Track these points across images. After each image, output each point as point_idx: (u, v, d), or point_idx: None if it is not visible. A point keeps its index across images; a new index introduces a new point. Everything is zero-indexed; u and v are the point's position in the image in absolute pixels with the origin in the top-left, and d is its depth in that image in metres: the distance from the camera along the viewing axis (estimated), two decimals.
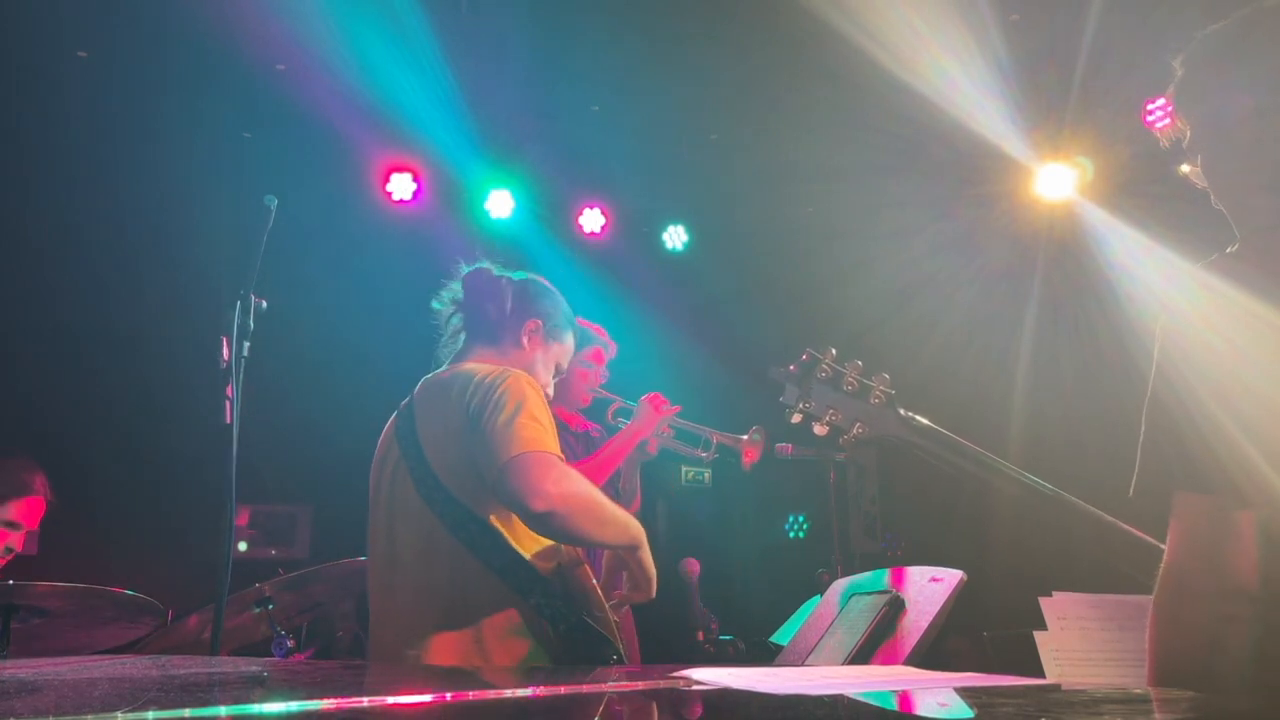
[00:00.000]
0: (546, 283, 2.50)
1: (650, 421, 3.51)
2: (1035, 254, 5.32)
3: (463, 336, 2.37)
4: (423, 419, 2.16)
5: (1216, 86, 1.48)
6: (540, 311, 2.39)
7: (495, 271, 2.42)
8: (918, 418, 1.66)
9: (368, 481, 2.27)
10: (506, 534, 2.02)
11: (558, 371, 2.43)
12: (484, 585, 2.01)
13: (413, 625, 2.04)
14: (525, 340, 2.35)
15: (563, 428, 3.58)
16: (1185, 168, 1.54)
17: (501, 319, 2.34)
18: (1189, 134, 1.52)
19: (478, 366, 2.18)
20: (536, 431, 1.97)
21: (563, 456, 1.99)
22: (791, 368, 1.64)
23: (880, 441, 1.64)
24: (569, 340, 2.45)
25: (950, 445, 1.64)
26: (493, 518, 2.03)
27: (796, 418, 1.65)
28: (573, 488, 1.93)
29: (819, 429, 1.64)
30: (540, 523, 1.92)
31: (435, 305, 2.43)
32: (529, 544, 2.04)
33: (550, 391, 2.38)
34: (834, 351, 1.64)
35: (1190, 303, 1.36)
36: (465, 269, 2.42)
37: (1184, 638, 1.32)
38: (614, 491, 3.57)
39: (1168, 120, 1.57)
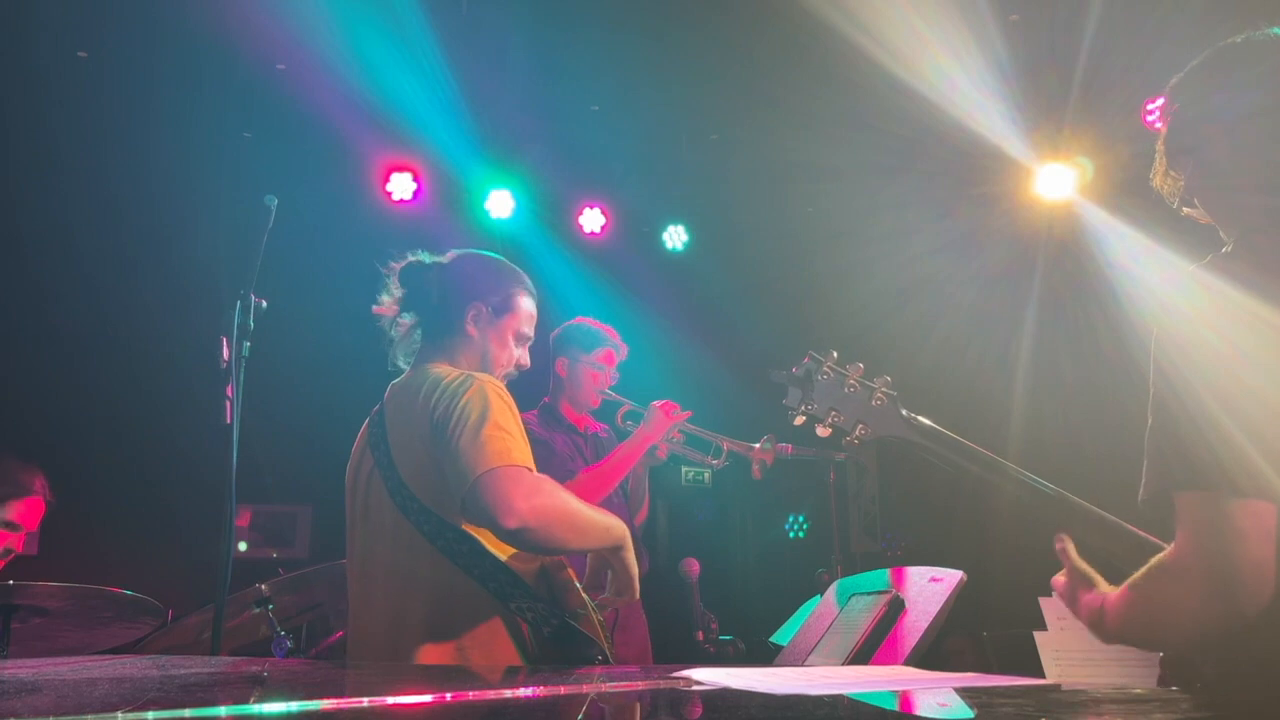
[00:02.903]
0: (482, 254, 2.38)
1: (660, 428, 3.49)
2: (1035, 254, 5.31)
3: (417, 334, 2.28)
4: (392, 426, 2.13)
5: (1215, 89, 1.50)
6: (478, 291, 2.26)
7: (426, 260, 2.29)
8: (920, 418, 1.66)
9: None
10: (482, 539, 2.00)
11: (521, 340, 2.32)
12: (464, 593, 1.98)
13: (393, 637, 2.02)
14: (471, 328, 2.24)
15: (570, 429, 3.58)
16: (1187, 210, 1.56)
17: (443, 312, 2.23)
18: (1184, 182, 1.54)
19: (441, 370, 2.13)
20: (504, 443, 1.92)
21: (532, 466, 1.95)
22: (794, 370, 1.65)
23: (883, 442, 1.65)
24: (524, 305, 2.31)
25: (953, 446, 1.64)
26: (466, 524, 2.00)
27: (800, 420, 1.65)
28: (543, 501, 1.88)
29: (822, 430, 1.64)
30: (514, 539, 1.88)
31: (374, 309, 2.31)
32: (507, 546, 2.02)
33: (515, 367, 2.32)
34: (835, 354, 1.65)
35: (1187, 302, 1.37)
36: (397, 265, 2.29)
37: (1164, 631, 1.38)
38: (622, 496, 3.56)
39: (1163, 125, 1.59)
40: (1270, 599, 1.25)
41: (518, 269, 2.39)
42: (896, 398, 1.65)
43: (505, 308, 2.28)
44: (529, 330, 2.34)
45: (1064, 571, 1.57)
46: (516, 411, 2.04)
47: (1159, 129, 1.59)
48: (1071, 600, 1.55)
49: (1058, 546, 1.56)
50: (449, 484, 1.96)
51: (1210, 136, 1.49)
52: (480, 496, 1.86)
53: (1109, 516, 1.58)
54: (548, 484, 1.94)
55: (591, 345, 3.64)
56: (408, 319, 2.29)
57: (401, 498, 2.05)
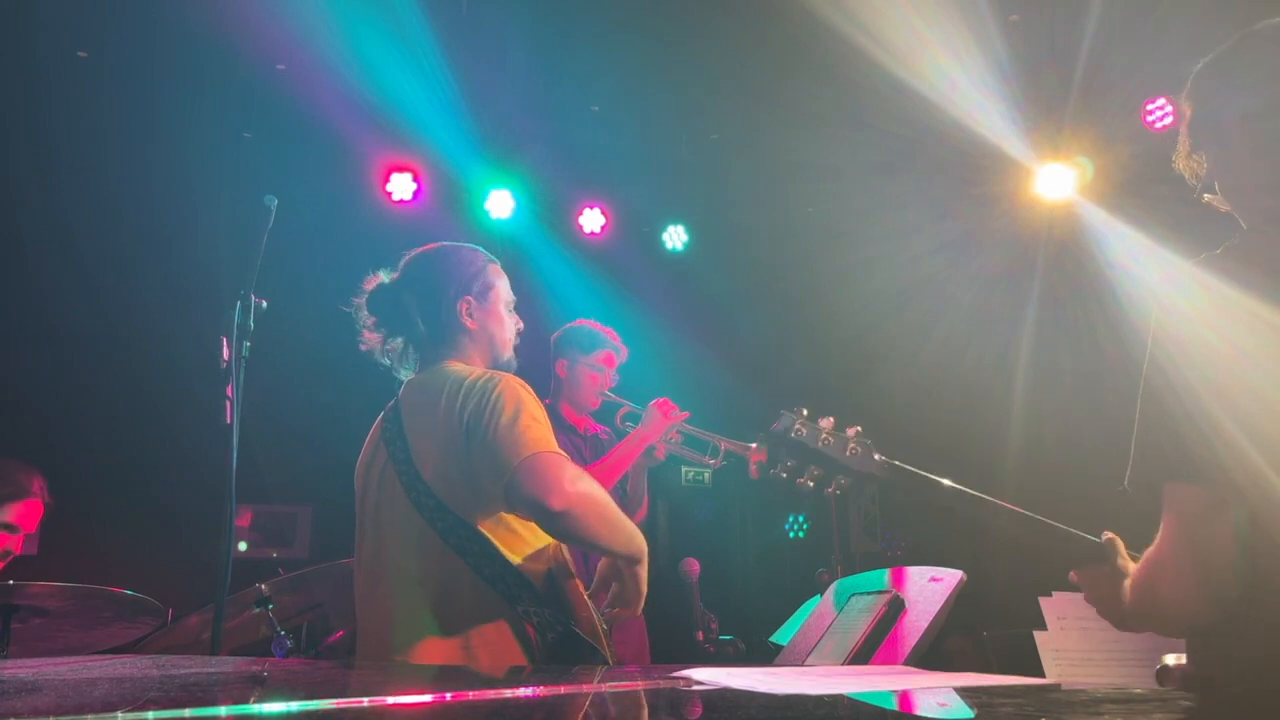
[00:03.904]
0: (438, 248, 2.33)
1: (658, 428, 3.50)
2: (1035, 254, 5.31)
3: (414, 349, 2.26)
4: (410, 422, 2.13)
5: (1217, 90, 1.50)
6: (458, 286, 2.25)
7: (386, 279, 2.27)
8: (895, 462, 1.68)
9: None
10: (495, 541, 2.01)
11: (509, 306, 2.32)
12: (473, 593, 1.99)
13: (401, 634, 2.02)
14: (469, 322, 2.23)
15: (570, 430, 3.58)
16: (1208, 196, 1.56)
17: (434, 321, 2.22)
18: (1205, 166, 1.54)
19: (459, 368, 2.14)
20: (541, 432, 1.96)
21: (566, 455, 1.98)
22: (774, 426, 1.68)
23: (864, 487, 1.68)
24: (498, 277, 2.31)
25: (928, 484, 1.66)
26: (482, 525, 2.01)
27: (782, 477, 1.68)
28: (586, 487, 1.92)
29: (801, 484, 1.68)
30: (556, 522, 1.89)
31: (362, 347, 2.28)
32: (518, 549, 2.03)
33: (513, 332, 2.33)
34: (805, 411, 1.69)
35: (1183, 297, 1.38)
36: (362, 297, 2.27)
37: (1161, 621, 1.43)
38: (621, 495, 3.56)
39: (1171, 120, 1.59)
40: (1248, 590, 1.27)
41: (474, 246, 2.37)
42: (870, 445, 1.68)
43: (487, 287, 2.29)
44: (511, 295, 2.35)
45: (1091, 568, 1.58)
46: (543, 406, 2.06)
47: (1185, 111, 1.58)
48: (1101, 597, 1.57)
49: (1105, 539, 1.57)
50: (477, 480, 1.97)
51: (1232, 127, 1.48)
52: (526, 479, 1.88)
53: (1096, 540, 1.59)
54: (587, 474, 1.98)
55: (591, 347, 3.64)
56: (397, 341, 2.27)
57: (416, 494, 2.05)
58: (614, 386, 3.67)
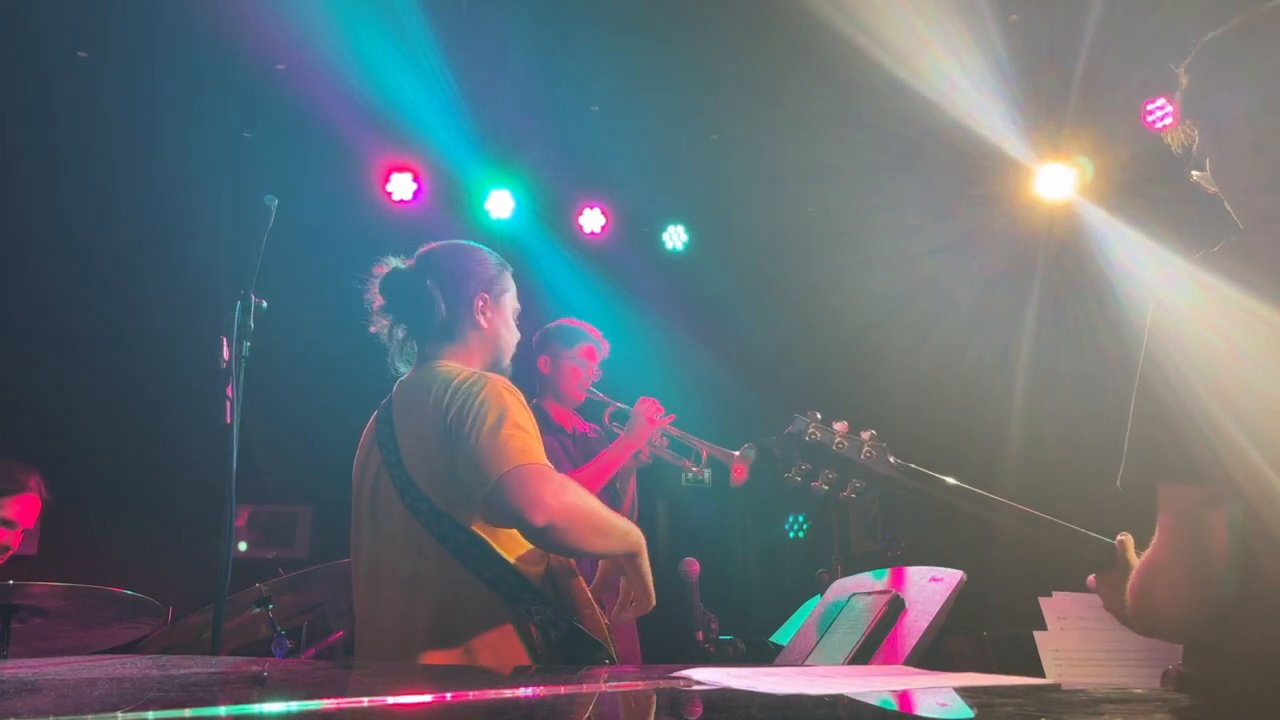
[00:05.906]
0: (459, 244, 2.35)
1: (644, 433, 3.50)
2: (1035, 254, 5.31)
3: (415, 341, 2.25)
4: (401, 424, 2.11)
5: (1215, 88, 1.49)
6: (479, 282, 2.25)
7: (402, 265, 2.27)
8: (910, 465, 1.68)
9: None
10: (491, 541, 1.99)
11: (515, 315, 2.34)
12: (473, 595, 1.98)
13: (402, 638, 2.01)
14: (482, 319, 2.24)
15: (558, 429, 3.58)
16: (1196, 173, 1.54)
17: (448, 311, 2.20)
18: (1197, 139, 1.52)
19: (452, 367, 2.13)
20: (525, 441, 1.93)
21: (550, 465, 1.95)
22: (788, 429, 1.67)
23: (878, 490, 1.68)
24: (510, 285, 2.33)
25: (942, 487, 1.66)
26: (477, 526, 2.00)
27: (796, 481, 1.68)
28: (572, 499, 1.89)
29: (816, 487, 1.67)
30: (540, 536, 1.88)
31: (372, 329, 2.27)
32: (515, 549, 2.01)
33: (515, 342, 2.33)
34: (819, 415, 1.68)
35: (1180, 295, 1.37)
36: (377, 274, 2.26)
37: (1158, 624, 1.41)
38: (609, 496, 3.56)
39: (1171, 121, 1.58)
40: (1244, 588, 1.27)
41: (490, 249, 2.38)
42: (885, 448, 1.67)
43: (502, 290, 2.31)
44: (517, 305, 2.37)
45: (1105, 572, 1.57)
46: (530, 410, 2.04)
47: (1166, 127, 1.57)
48: (1113, 600, 1.55)
49: (1118, 541, 1.56)
50: (464, 484, 1.95)
51: (1232, 126, 1.46)
52: (507, 493, 1.85)
53: (1102, 539, 1.58)
54: (573, 483, 1.95)
55: (572, 341, 3.67)
56: (403, 328, 2.26)
57: (411, 498, 2.03)
58: (597, 381, 3.68)
